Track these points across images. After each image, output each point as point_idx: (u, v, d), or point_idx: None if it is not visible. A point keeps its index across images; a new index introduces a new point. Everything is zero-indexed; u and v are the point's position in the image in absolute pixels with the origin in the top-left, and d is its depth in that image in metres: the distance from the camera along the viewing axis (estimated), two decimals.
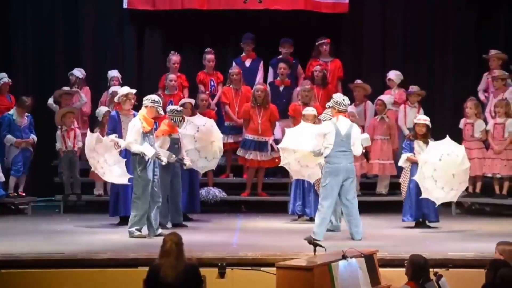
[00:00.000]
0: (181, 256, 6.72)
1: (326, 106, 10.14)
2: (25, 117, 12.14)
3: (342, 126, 9.66)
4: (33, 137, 12.15)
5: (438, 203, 10.29)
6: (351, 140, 9.64)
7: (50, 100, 12.55)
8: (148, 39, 13.80)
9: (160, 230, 9.76)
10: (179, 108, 10.62)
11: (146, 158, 9.63)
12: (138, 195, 9.72)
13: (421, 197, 10.24)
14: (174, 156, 10.22)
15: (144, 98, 9.90)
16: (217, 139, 10.91)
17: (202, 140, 10.79)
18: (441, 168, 10.07)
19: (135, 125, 9.72)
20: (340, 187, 9.57)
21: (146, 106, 9.80)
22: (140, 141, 9.66)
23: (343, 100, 9.74)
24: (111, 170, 10.17)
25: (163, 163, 9.91)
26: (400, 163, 10.75)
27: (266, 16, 13.37)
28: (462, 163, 10.18)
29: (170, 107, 10.65)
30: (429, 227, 10.50)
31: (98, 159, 10.14)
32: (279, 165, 10.85)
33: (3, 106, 12.31)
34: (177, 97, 12.23)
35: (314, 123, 10.73)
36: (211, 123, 10.97)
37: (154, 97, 9.95)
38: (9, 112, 12.09)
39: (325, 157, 9.62)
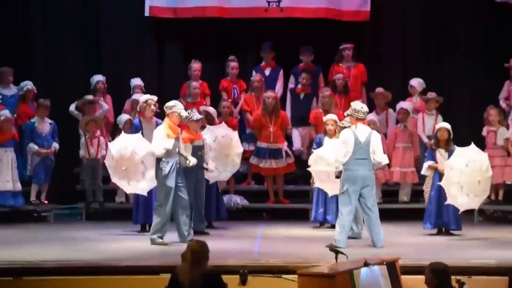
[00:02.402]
0: (197, 263, 6.70)
1: (345, 114, 10.12)
2: (48, 124, 12.17)
3: (361, 133, 9.63)
4: (55, 145, 12.18)
5: (461, 209, 10.25)
6: (370, 147, 9.61)
7: (72, 107, 12.58)
8: (169, 47, 13.86)
9: (191, 237, 9.75)
10: (198, 117, 10.56)
11: (167, 166, 9.64)
12: (160, 202, 9.74)
13: (446, 203, 10.20)
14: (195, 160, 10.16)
15: (164, 107, 9.93)
16: (235, 153, 10.87)
17: (217, 151, 10.80)
18: (467, 174, 10.04)
19: (160, 132, 9.74)
20: (359, 195, 9.56)
21: (167, 114, 9.84)
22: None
23: (362, 108, 9.71)
24: (137, 181, 10.18)
25: (190, 164, 9.87)
26: (423, 172, 10.76)
27: (287, 24, 13.37)
28: (487, 171, 10.15)
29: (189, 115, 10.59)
30: (451, 234, 10.45)
31: (126, 169, 10.14)
32: (314, 186, 10.86)
33: (26, 114, 12.36)
34: (200, 105, 12.26)
35: (335, 129, 10.72)
36: (232, 136, 10.94)
37: (171, 102, 9.97)
38: (31, 120, 12.14)
39: (343, 165, 9.62)
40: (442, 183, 10.15)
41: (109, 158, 10.23)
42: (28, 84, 12.42)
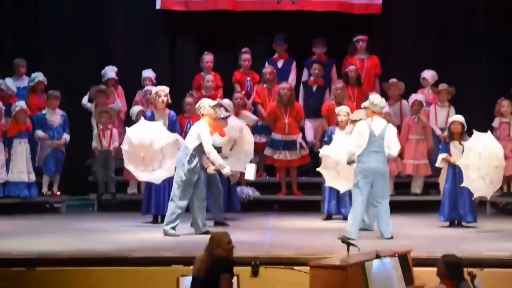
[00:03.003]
0: (211, 252, 6.77)
1: (362, 106, 10.11)
2: (59, 115, 12.18)
3: (376, 126, 9.64)
4: (66, 137, 12.19)
5: (475, 195, 10.25)
6: (384, 141, 9.61)
7: (85, 100, 12.59)
8: (181, 40, 13.87)
9: (206, 228, 9.78)
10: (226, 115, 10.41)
11: (195, 160, 9.67)
12: (179, 194, 9.74)
13: (461, 185, 10.18)
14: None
15: (199, 108, 9.94)
16: (246, 142, 10.82)
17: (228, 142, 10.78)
18: (485, 157, 10.03)
19: (205, 127, 9.73)
20: (370, 187, 9.56)
21: (202, 114, 9.87)
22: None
23: (380, 102, 9.74)
24: (153, 169, 10.19)
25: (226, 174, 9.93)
26: (437, 164, 10.76)
27: (299, 16, 13.35)
28: (502, 160, 10.15)
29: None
30: (464, 227, 10.44)
31: (144, 156, 10.14)
32: (325, 185, 10.86)
33: (37, 105, 12.36)
34: (214, 97, 12.22)
35: (347, 120, 10.71)
36: (241, 126, 10.86)
37: (199, 103, 10.01)
38: (42, 111, 12.16)
39: (358, 157, 9.61)
40: (460, 163, 10.13)
41: (127, 144, 10.20)
42: (39, 76, 12.43)
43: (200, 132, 9.73)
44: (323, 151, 10.69)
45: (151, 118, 10.59)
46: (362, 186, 9.54)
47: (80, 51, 13.54)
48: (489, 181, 10.11)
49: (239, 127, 10.74)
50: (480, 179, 10.07)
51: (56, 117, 12.19)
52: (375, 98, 9.82)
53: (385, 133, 9.63)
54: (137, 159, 10.17)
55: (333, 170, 10.59)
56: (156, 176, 10.26)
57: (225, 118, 10.03)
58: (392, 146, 9.66)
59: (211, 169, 9.83)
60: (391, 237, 9.47)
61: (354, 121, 10.26)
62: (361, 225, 9.74)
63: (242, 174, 10.66)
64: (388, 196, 9.75)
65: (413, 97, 12.36)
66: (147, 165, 10.20)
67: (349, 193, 10.74)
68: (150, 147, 10.10)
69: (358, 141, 9.61)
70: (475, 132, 10.23)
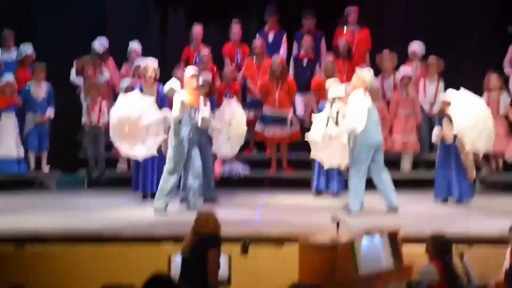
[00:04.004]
0: (198, 231, 6.80)
1: (358, 74, 10.03)
2: (44, 89, 12.04)
3: (369, 100, 9.80)
4: (50, 112, 12.06)
5: (481, 154, 10.39)
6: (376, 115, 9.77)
7: (72, 75, 12.45)
8: (172, 11, 13.77)
9: (199, 206, 9.76)
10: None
11: (181, 132, 9.64)
12: (169, 169, 9.72)
13: (466, 150, 10.20)
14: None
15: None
16: (238, 131, 10.80)
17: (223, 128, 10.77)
18: (474, 112, 10.08)
19: (177, 97, 9.72)
20: (371, 160, 9.68)
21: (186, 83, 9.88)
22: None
23: (373, 80, 9.99)
24: (135, 145, 10.15)
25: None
26: (433, 140, 10.73)
27: None
28: (487, 109, 10.25)
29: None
30: (456, 204, 10.44)
31: (128, 131, 10.10)
32: (310, 157, 10.78)
33: (25, 79, 12.18)
34: (210, 71, 12.02)
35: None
36: (235, 113, 10.83)
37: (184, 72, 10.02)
38: (26, 86, 12.02)
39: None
40: (455, 132, 10.14)
41: (114, 116, 10.11)
42: (27, 49, 12.30)
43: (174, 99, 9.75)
44: (310, 136, 10.56)
45: (140, 91, 10.50)
46: (365, 159, 9.67)
47: (71, 23, 13.40)
48: (487, 135, 10.14)
49: (232, 111, 10.72)
50: (477, 133, 10.06)
51: (41, 90, 12.04)
52: (370, 77, 9.90)
53: (374, 106, 9.77)
54: (122, 132, 10.09)
55: (324, 149, 10.52)
56: (137, 153, 10.17)
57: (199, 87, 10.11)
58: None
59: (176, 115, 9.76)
60: (397, 208, 9.69)
61: (333, 99, 10.20)
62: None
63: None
64: None
65: (402, 71, 12.26)
66: (129, 140, 10.10)
67: (338, 169, 10.77)
68: (136, 123, 10.01)
69: (361, 114, 9.65)
70: (451, 96, 10.22)
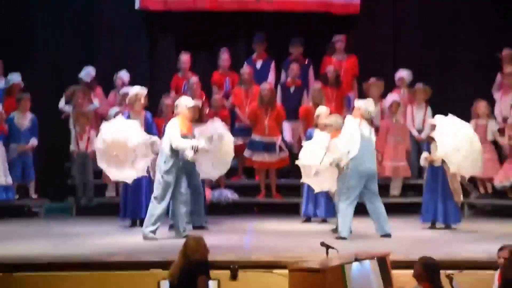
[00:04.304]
0: (187, 257, 6.79)
1: (356, 105, 10.13)
2: (28, 119, 12.04)
3: (364, 128, 9.85)
4: (33, 141, 12.03)
5: (467, 176, 10.49)
6: (372, 142, 9.87)
7: (61, 103, 12.46)
8: (161, 40, 13.81)
9: (186, 232, 9.71)
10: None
11: (186, 155, 9.65)
12: (158, 196, 9.72)
13: (450, 172, 10.25)
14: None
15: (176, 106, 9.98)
16: (226, 152, 10.75)
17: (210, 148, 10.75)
18: (459, 136, 10.11)
19: (174, 124, 9.74)
20: (363, 187, 9.72)
21: (177, 113, 9.88)
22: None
23: (373, 111, 10.06)
24: (124, 168, 10.14)
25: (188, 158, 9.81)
26: (421, 163, 10.79)
27: (279, 16, 13.34)
28: (475, 135, 10.29)
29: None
30: (443, 228, 10.47)
31: (116, 155, 10.09)
32: (301, 181, 10.75)
33: (12, 108, 12.14)
34: (200, 98, 12.03)
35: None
36: (224, 135, 10.82)
37: (179, 99, 10.05)
38: (10, 116, 12.00)
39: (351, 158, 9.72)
40: (439, 155, 10.18)
41: (100, 141, 10.09)
42: (14, 78, 12.32)
43: (168, 130, 9.74)
44: (300, 161, 10.54)
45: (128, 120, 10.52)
46: (356, 186, 9.71)
47: (59, 52, 13.41)
48: (473, 160, 10.15)
49: (219, 133, 10.71)
50: (464, 158, 10.09)
51: (24, 120, 12.04)
52: (369, 104, 9.98)
53: (371, 136, 9.86)
54: (109, 157, 10.07)
55: (310, 167, 10.52)
56: (127, 176, 10.16)
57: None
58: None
59: (191, 156, 9.74)
60: (390, 235, 9.71)
61: (328, 125, 10.28)
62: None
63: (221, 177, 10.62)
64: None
65: (389, 98, 12.34)
66: (119, 164, 10.10)
67: (326, 195, 10.79)
68: (124, 145, 10.00)
69: (351, 140, 9.71)
70: (437, 120, 10.28)
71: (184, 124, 9.86)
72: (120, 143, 9.99)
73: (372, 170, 9.84)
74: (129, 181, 10.24)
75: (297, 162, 10.55)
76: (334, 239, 9.40)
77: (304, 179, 10.60)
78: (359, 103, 10.03)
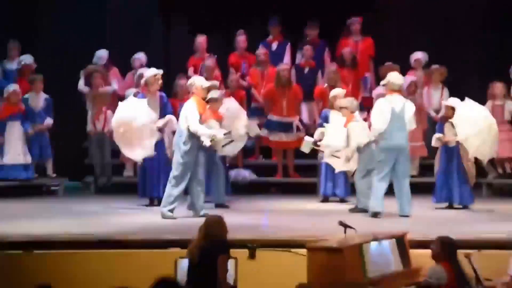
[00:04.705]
0: (208, 236, 6.81)
1: (381, 84, 10.21)
2: (42, 99, 12.11)
3: (396, 103, 9.83)
4: (48, 121, 12.12)
5: (485, 160, 10.44)
6: (405, 117, 9.82)
7: (81, 85, 12.48)
8: (176, 22, 13.84)
9: (204, 211, 9.73)
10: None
11: (190, 141, 9.67)
12: (177, 176, 9.73)
13: (469, 156, 10.25)
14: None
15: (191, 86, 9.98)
16: (240, 125, 10.78)
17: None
18: (479, 121, 10.12)
19: (191, 106, 9.75)
20: (393, 164, 9.71)
21: (192, 93, 9.90)
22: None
23: (398, 79, 9.96)
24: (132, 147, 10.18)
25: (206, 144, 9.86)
26: (433, 143, 10.76)
27: None
28: (492, 118, 10.27)
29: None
30: (461, 208, 10.47)
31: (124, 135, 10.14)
32: (326, 161, 10.77)
33: (25, 88, 12.20)
34: (216, 79, 12.03)
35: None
36: (236, 110, 10.84)
37: (191, 80, 10.07)
38: (24, 96, 12.06)
39: (380, 134, 9.78)
40: (459, 138, 10.18)
41: (113, 121, 10.27)
42: (26, 59, 12.37)
43: (186, 112, 9.75)
44: (325, 141, 10.54)
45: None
46: (386, 162, 9.73)
47: (74, 33, 13.41)
48: (490, 143, 10.17)
49: (236, 110, 10.74)
50: (480, 142, 10.09)
51: (38, 101, 12.12)
52: (394, 75, 9.97)
53: (404, 109, 9.83)
54: (119, 136, 10.19)
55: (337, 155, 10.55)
56: (136, 154, 10.25)
57: (217, 100, 10.17)
58: (410, 122, 9.91)
59: (207, 143, 9.78)
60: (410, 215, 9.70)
61: (343, 108, 10.30)
62: (361, 205, 9.88)
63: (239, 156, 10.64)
64: (409, 175, 10.00)
65: (407, 78, 12.30)
66: (128, 142, 10.19)
67: (344, 174, 10.79)
68: (130, 125, 10.08)
69: (381, 117, 9.72)
70: (455, 104, 10.28)
71: (201, 104, 9.87)
72: (127, 122, 10.08)
73: (402, 145, 9.80)
74: (138, 160, 10.32)
75: (320, 143, 10.55)
76: (366, 216, 9.52)
77: (327, 159, 10.60)
78: (383, 81, 10.05)
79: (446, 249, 7.09)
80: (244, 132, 10.75)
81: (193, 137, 9.73)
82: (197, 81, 10.03)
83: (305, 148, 10.77)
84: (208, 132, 9.74)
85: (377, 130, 9.82)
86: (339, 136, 10.23)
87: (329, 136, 10.43)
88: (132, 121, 10.08)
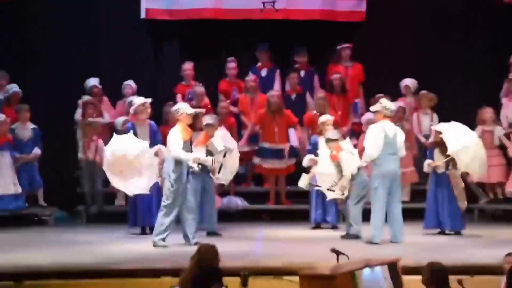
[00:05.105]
0: (200, 265, 6.79)
1: (371, 110, 10.20)
2: (29, 130, 12.09)
3: (388, 129, 9.90)
4: (36, 151, 12.07)
5: (475, 176, 10.65)
6: (397, 144, 9.87)
7: (77, 115, 12.44)
8: (165, 49, 13.85)
9: (196, 240, 9.74)
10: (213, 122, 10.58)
11: (178, 169, 9.67)
12: (168, 204, 9.73)
13: (461, 171, 10.33)
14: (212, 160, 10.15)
15: (173, 111, 10.04)
16: (232, 158, 10.81)
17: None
18: (467, 136, 10.25)
19: (176, 135, 9.75)
20: (387, 190, 9.76)
21: (177, 119, 9.90)
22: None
23: (391, 105, 10.07)
24: (136, 180, 10.18)
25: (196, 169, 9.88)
26: (424, 169, 10.82)
27: (283, 25, 13.37)
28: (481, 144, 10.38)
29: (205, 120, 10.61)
30: (450, 234, 10.48)
31: (122, 171, 10.13)
32: (319, 189, 10.77)
33: (11, 118, 12.13)
34: (205, 107, 12.01)
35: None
36: (229, 143, 10.88)
37: (176, 106, 10.07)
38: (11, 126, 12.03)
39: (373, 160, 9.79)
40: (449, 152, 10.20)
41: (105, 163, 10.22)
42: (13, 88, 12.34)
43: (169, 139, 9.77)
44: (317, 169, 10.54)
45: (132, 129, 10.54)
46: (381, 189, 9.75)
47: (64, 62, 13.43)
48: (480, 160, 10.27)
49: (231, 140, 10.76)
50: (470, 158, 10.18)
51: (26, 131, 12.09)
52: (386, 102, 10.05)
53: (396, 136, 9.87)
54: (118, 175, 10.16)
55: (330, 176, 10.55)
56: (142, 187, 10.21)
57: (213, 125, 10.25)
58: (401, 149, 9.99)
59: (195, 167, 9.79)
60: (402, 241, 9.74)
61: (331, 140, 10.30)
62: (353, 231, 9.90)
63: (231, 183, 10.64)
64: (401, 200, 10.06)
65: (395, 104, 12.33)
66: (128, 178, 10.15)
67: (335, 201, 10.79)
68: (125, 159, 10.06)
69: (375, 144, 9.76)
70: (442, 126, 10.39)
71: (186, 130, 9.87)
72: (121, 158, 10.05)
73: (395, 172, 9.85)
74: (146, 191, 10.23)
75: (314, 171, 10.56)
76: (358, 243, 9.60)
77: (322, 187, 10.60)
78: (375, 107, 10.09)
79: (436, 275, 7.06)
80: (222, 148, 10.69)
81: (180, 164, 9.72)
82: (182, 108, 10.04)
83: (302, 183, 10.75)
84: (191, 156, 9.72)
85: (370, 156, 9.85)
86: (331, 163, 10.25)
87: (321, 163, 10.43)
88: (126, 155, 10.03)
